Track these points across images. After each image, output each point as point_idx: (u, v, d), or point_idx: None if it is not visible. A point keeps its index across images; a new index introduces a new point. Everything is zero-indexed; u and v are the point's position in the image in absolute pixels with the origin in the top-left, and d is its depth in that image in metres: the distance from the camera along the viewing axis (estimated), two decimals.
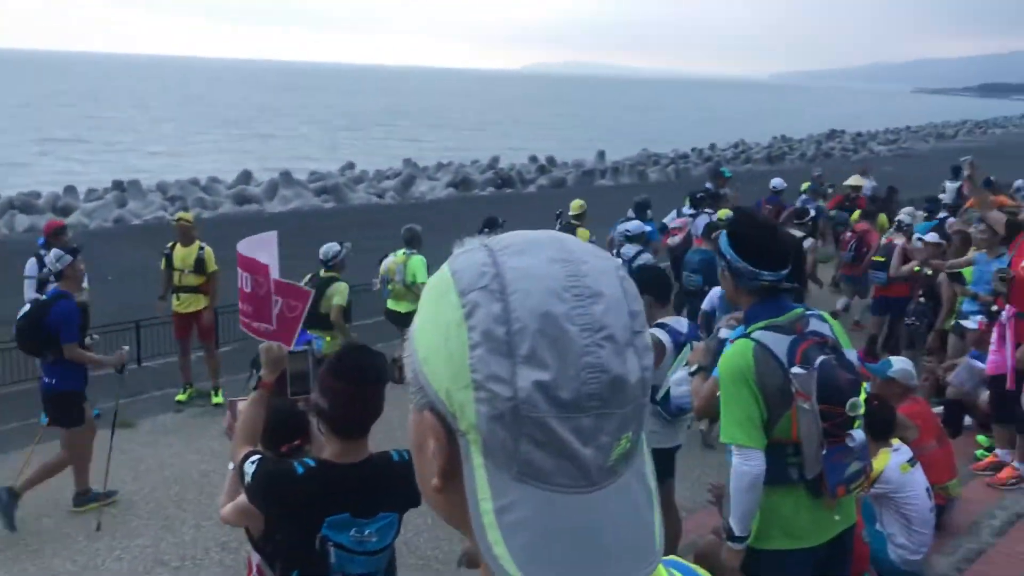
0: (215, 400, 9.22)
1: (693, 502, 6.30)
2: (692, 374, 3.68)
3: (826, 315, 3.27)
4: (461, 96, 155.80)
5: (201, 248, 9.12)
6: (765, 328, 3.05)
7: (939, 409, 7.71)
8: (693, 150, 53.16)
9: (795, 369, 2.92)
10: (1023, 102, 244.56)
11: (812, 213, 12.04)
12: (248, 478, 2.75)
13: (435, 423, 0.82)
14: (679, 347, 4.63)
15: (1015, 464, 6.21)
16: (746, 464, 3.03)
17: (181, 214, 10.34)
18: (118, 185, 27.86)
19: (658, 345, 4.56)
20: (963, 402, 7.36)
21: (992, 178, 17.81)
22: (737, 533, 3.13)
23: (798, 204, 13.66)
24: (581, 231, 10.96)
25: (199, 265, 9.07)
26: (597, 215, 12.24)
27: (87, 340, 6.91)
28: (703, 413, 3.59)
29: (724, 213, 11.42)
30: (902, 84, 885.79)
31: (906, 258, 9.50)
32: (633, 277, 3.64)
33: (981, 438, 7.11)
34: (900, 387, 5.67)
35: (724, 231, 3.25)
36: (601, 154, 47.23)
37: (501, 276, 0.79)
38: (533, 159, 44.44)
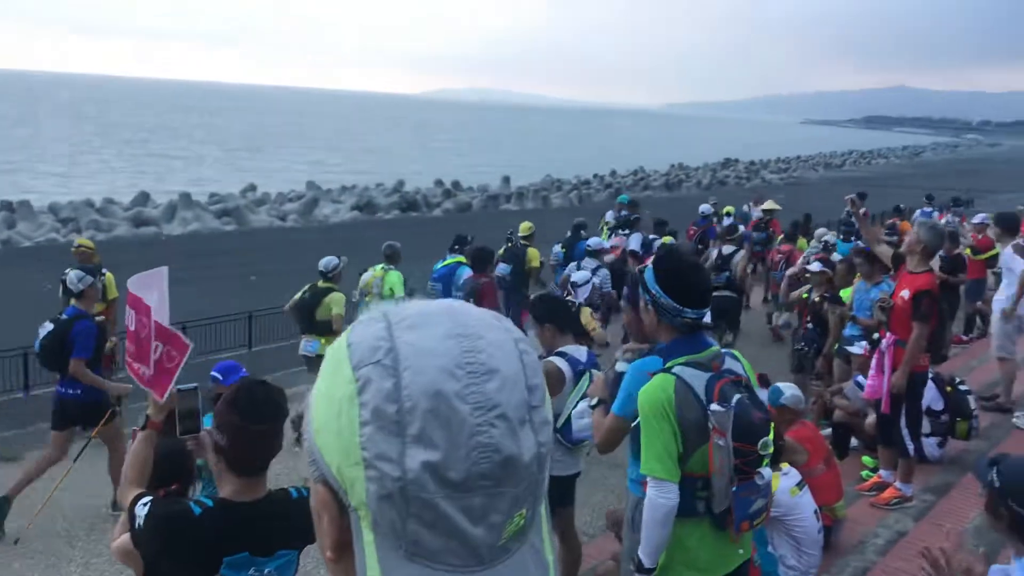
0: None
1: (593, 528, 6.39)
2: (593, 407, 3.74)
3: (738, 353, 3.35)
4: (365, 119, 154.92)
5: (102, 274, 8.83)
6: (685, 364, 3.11)
7: (827, 432, 8.04)
8: (595, 176, 54.09)
9: (714, 406, 2.98)
10: (903, 134, 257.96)
11: (741, 230, 12.75)
12: (140, 521, 2.67)
13: (328, 497, 0.82)
14: (578, 375, 4.70)
15: (897, 484, 6.49)
16: (662, 497, 3.07)
17: (80, 239, 9.99)
18: (7, 205, 26.67)
19: (557, 374, 4.63)
20: (850, 424, 7.68)
21: (901, 205, 19.05)
22: (647, 565, 3.16)
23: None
24: (531, 251, 11.92)
25: (100, 292, 8.81)
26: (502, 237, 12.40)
27: (108, 344, 7.99)
28: (604, 448, 3.64)
29: (668, 239, 12.42)
30: (791, 116, 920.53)
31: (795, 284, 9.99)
32: (533, 307, 3.70)
33: (867, 459, 7.40)
34: (792, 413, 5.89)
35: (650, 266, 3.29)
36: (506, 179, 47.63)
37: (395, 351, 0.78)
38: (439, 183, 44.48)
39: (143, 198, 30.84)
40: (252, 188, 37.02)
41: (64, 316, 7.08)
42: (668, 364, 3.14)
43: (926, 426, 7.13)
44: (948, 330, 11.67)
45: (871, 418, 7.16)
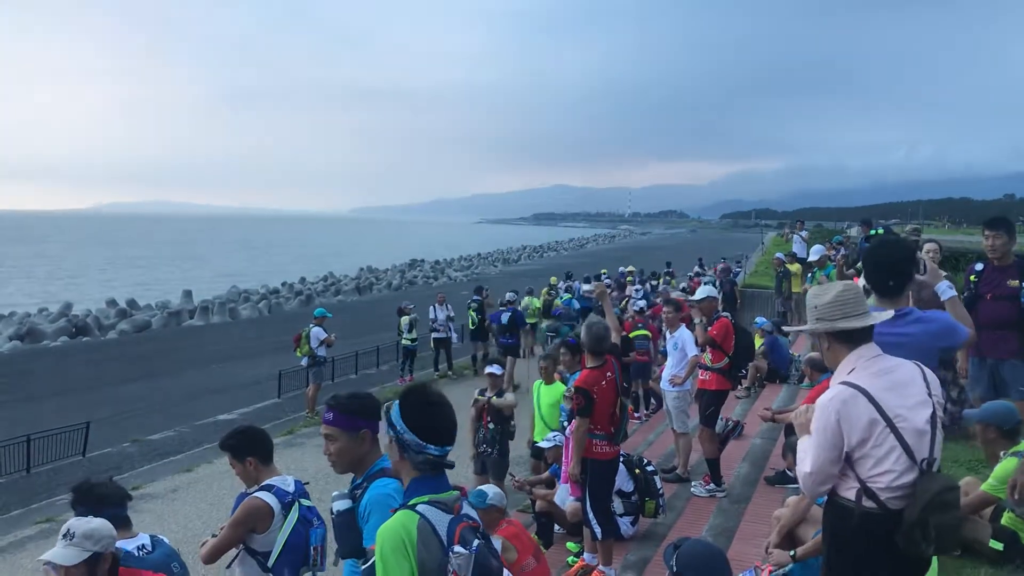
0: None
1: None
2: None
3: (473, 502, 3.36)
4: (23, 241, 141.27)
5: None
6: (429, 503, 3.01)
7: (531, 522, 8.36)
8: (284, 284, 53.23)
9: (457, 548, 2.88)
10: (568, 228, 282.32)
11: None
12: None
13: None
14: (287, 507, 4.53)
15: (601, 568, 6.87)
16: None
17: None
18: None
19: (265, 509, 4.43)
20: (552, 513, 8.04)
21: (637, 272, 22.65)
22: None
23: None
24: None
25: None
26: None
27: None
28: None
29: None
30: (466, 216, 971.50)
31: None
32: (234, 439, 3.49)
33: (571, 545, 7.79)
34: (499, 511, 6.14)
35: (397, 401, 3.19)
36: (188, 293, 45.52)
37: None
38: (112, 303, 41.54)
39: None
40: None
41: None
42: (412, 501, 3.09)
43: (619, 507, 7.66)
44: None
45: (570, 504, 7.58)
